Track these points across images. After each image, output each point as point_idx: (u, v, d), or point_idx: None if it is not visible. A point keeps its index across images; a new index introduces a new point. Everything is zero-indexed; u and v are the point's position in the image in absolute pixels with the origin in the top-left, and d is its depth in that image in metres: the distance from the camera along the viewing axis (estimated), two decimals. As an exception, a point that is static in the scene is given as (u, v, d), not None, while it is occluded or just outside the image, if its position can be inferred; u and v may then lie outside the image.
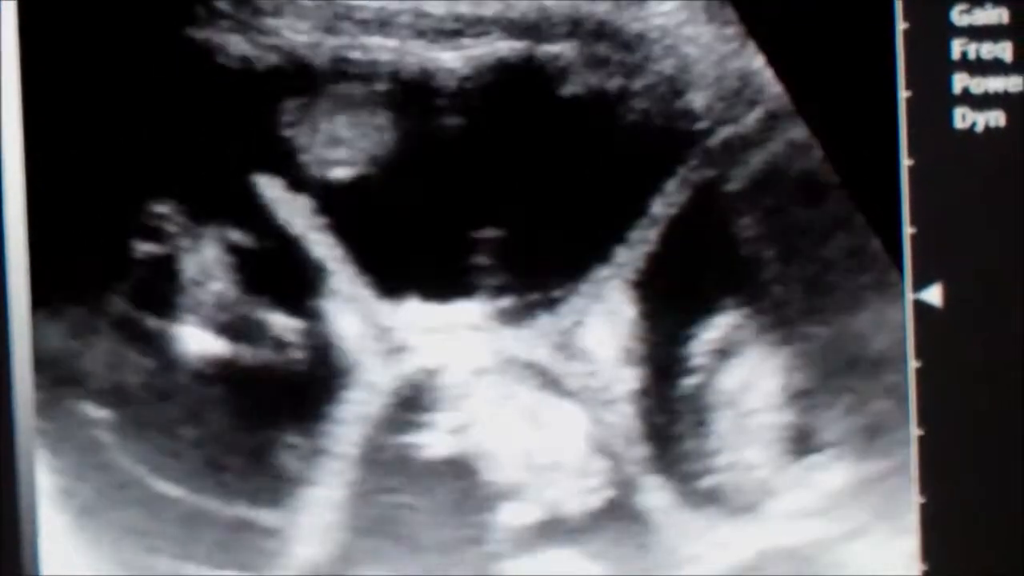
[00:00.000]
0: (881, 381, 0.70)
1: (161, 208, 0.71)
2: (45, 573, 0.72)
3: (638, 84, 0.70)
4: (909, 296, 0.69)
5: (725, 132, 0.70)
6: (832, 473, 0.70)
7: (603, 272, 0.70)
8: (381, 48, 0.70)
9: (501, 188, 0.70)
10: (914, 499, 0.70)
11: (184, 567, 0.71)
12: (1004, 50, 0.68)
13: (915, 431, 0.70)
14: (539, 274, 0.71)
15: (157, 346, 0.71)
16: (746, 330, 0.70)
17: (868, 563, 0.70)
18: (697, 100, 0.70)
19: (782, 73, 0.69)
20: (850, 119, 0.69)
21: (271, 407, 0.71)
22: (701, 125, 0.70)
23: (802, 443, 0.70)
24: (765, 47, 0.70)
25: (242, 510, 0.71)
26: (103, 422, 0.71)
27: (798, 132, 0.70)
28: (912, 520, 0.70)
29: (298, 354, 0.71)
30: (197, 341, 0.71)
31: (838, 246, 0.70)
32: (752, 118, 0.70)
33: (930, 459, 0.70)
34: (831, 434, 0.70)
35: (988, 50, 0.68)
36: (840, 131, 0.69)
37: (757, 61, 0.70)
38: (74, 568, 0.72)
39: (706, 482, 0.70)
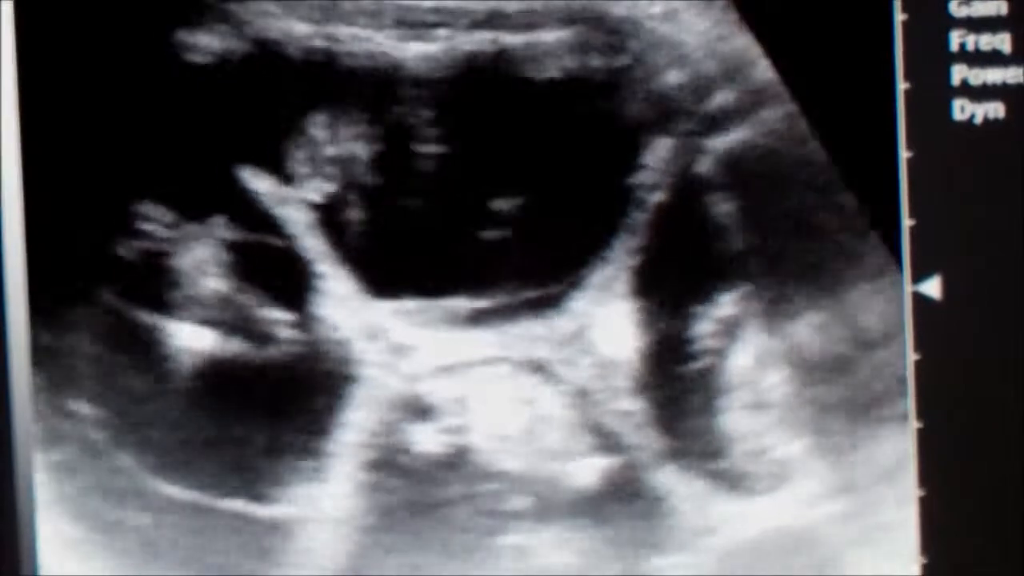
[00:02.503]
0: (881, 365, 0.70)
1: (151, 206, 0.70)
2: (43, 574, 0.72)
3: (618, 70, 0.70)
4: (908, 288, 0.69)
5: (709, 113, 0.70)
6: (834, 456, 0.70)
7: (600, 261, 0.70)
8: (365, 40, 0.70)
9: (493, 183, 0.70)
10: (913, 492, 0.70)
11: (184, 566, 0.71)
12: (1003, 41, 0.68)
13: (914, 424, 0.70)
14: (536, 269, 0.70)
15: (150, 344, 0.71)
16: (748, 312, 0.70)
17: (870, 547, 0.70)
18: (679, 81, 0.69)
19: (780, 65, 0.69)
20: (849, 111, 0.69)
21: (269, 405, 0.71)
22: (684, 108, 0.70)
23: (806, 426, 0.70)
24: (764, 39, 0.69)
25: (241, 507, 0.71)
26: (97, 421, 0.71)
27: (784, 113, 0.69)
28: (912, 508, 0.70)
29: (295, 351, 0.71)
30: (192, 338, 0.71)
31: (831, 225, 0.70)
32: (736, 99, 0.69)
33: (929, 452, 0.70)
34: (835, 417, 0.70)
35: (987, 41, 0.68)
36: (839, 123, 0.69)
37: (745, 43, 0.69)
38: (72, 568, 0.71)
39: (714, 464, 0.70)
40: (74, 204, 0.70)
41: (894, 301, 0.70)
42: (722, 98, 0.69)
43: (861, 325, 0.70)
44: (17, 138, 0.70)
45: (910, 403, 0.70)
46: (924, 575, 0.70)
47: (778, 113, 0.69)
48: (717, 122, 0.69)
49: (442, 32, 0.70)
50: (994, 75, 0.68)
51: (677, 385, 0.70)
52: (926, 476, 0.70)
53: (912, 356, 0.69)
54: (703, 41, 0.70)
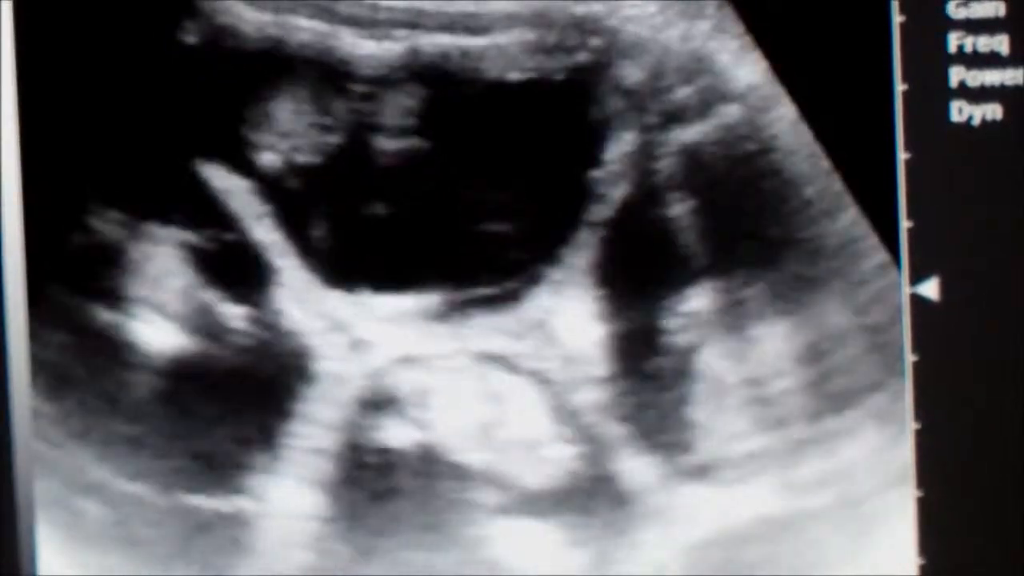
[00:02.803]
0: (865, 361, 0.70)
1: (106, 202, 0.70)
2: (42, 574, 0.72)
3: (578, 67, 0.70)
4: (906, 290, 0.69)
5: (666, 108, 0.70)
6: (818, 446, 0.70)
7: (562, 255, 0.70)
8: (321, 33, 0.70)
9: (453, 177, 0.70)
10: (911, 492, 0.70)
11: (146, 561, 0.71)
12: (1001, 43, 0.68)
13: (912, 425, 0.70)
14: (498, 261, 0.70)
15: (108, 340, 0.71)
16: (714, 304, 0.70)
17: (857, 540, 0.70)
18: (640, 77, 0.70)
19: (778, 66, 0.69)
20: (847, 113, 0.69)
21: (230, 399, 0.71)
22: (646, 104, 0.70)
23: (782, 416, 0.70)
24: (761, 41, 0.69)
25: (203, 502, 0.71)
26: (56, 418, 0.71)
27: (734, 110, 0.70)
28: (910, 509, 0.70)
29: (254, 345, 0.70)
30: (151, 334, 0.71)
31: (799, 221, 0.70)
32: (698, 95, 0.70)
33: (927, 453, 0.70)
34: (810, 406, 0.70)
35: (985, 43, 0.68)
36: (837, 124, 0.69)
37: (706, 39, 0.70)
38: (71, 568, 0.72)
39: (680, 455, 0.70)
40: (30, 201, 0.70)
41: (890, 301, 0.70)
42: (684, 94, 0.70)
43: (845, 320, 0.70)
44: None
45: (908, 404, 0.70)
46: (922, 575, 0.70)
47: (739, 109, 0.70)
48: (678, 118, 0.70)
49: (402, 32, 0.70)
50: (992, 77, 0.68)
51: (642, 376, 0.70)
52: (924, 477, 0.70)
53: (910, 357, 0.70)
54: (665, 38, 0.70)
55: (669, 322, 0.70)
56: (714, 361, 0.70)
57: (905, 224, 0.69)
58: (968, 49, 0.68)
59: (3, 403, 0.71)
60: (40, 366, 0.71)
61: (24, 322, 0.71)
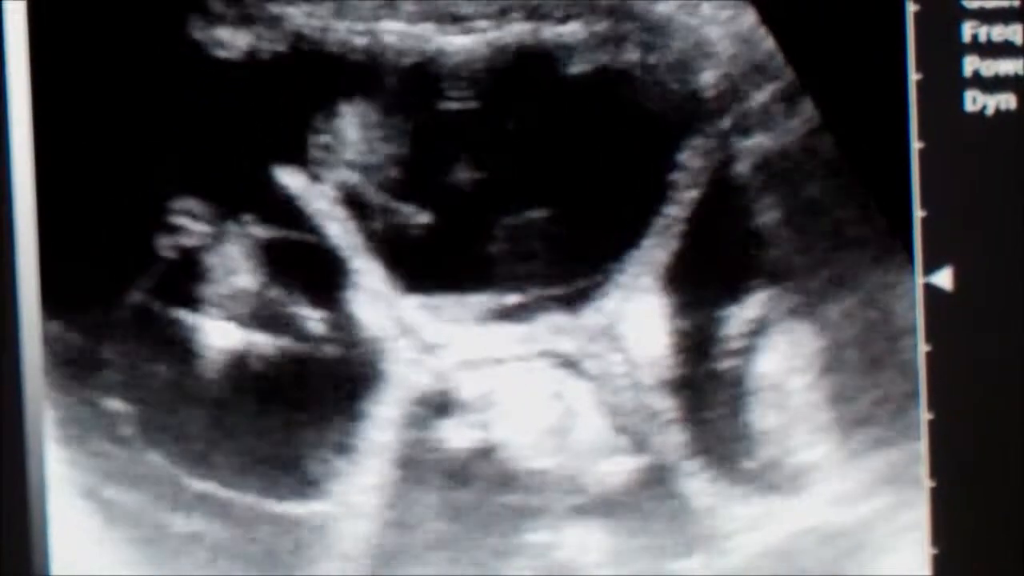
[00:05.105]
0: (903, 360, 0.70)
1: (184, 202, 0.70)
2: (56, 573, 0.72)
3: (650, 63, 0.70)
4: (919, 280, 0.69)
5: (740, 111, 0.69)
6: (866, 456, 0.70)
7: (632, 259, 0.70)
8: (392, 33, 0.70)
9: (523, 176, 0.70)
10: (924, 483, 0.70)
11: (214, 564, 0.71)
12: (1015, 33, 0.68)
13: (925, 415, 0.70)
14: (567, 264, 0.70)
15: (182, 341, 0.71)
16: (779, 310, 0.70)
17: (892, 544, 0.70)
18: (710, 78, 0.69)
19: (792, 55, 0.69)
20: (860, 102, 0.69)
21: (300, 401, 0.71)
22: (715, 104, 0.69)
23: (838, 424, 0.70)
24: (775, 29, 0.69)
25: (272, 504, 0.71)
26: (128, 417, 0.71)
27: (811, 110, 0.69)
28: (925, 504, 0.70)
29: (327, 349, 0.70)
30: (223, 335, 0.71)
31: (852, 224, 0.70)
32: (766, 97, 0.69)
33: (940, 443, 0.70)
34: (865, 416, 0.70)
35: (999, 33, 0.68)
36: (850, 114, 0.69)
37: (770, 39, 0.70)
38: (86, 568, 0.71)
39: (741, 464, 0.70)
40: (104, 201, 0.70)
41: (908, 293, 0.70)
42: (759, 98, 0.69)
43: (885, 321, 0.70)
44: (32, 136, 0.70)
45: (921, 394, 0.70)
46: (935, 566, 0.70)
47: (796, 103, 0.69)
48: (753, 122, 0.69)
49: (480, 24, 0.70)
50: (1006, 66, 0.68)
51: (706, 383, 0.70)
52: (937, 467, 0.70)
53: (923, 348, 0.69)
54: (740, 41, 0.70)
55: (735, 328, 0.70)
56: (777, 368, 0.70)
57: (918, 214, 0.69)
58: (982, 38, 0.68)
59: (17, 401, 0.71)
60: (114, 367, 0.71)
61: (38, 324, 0.71)
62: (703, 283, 0.70)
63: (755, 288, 0.70)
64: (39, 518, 0.71)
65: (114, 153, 0.70)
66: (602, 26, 0.70)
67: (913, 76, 0.68)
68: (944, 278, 0.69)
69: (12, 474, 0.71)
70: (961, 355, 0.69)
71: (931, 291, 0.69)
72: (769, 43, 0.69)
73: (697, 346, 0.70)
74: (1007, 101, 0.68)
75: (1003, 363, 0.69)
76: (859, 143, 0.69)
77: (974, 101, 0.68)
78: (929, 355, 0.69)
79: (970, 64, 0.68)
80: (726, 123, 0.69)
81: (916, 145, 0.69)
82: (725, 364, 0.70)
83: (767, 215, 0.69)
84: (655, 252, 0.70)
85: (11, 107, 0.70)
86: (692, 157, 0.69)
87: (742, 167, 0.69)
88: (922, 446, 0.70)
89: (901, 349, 0.70)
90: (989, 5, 0.68)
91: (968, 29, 0.68)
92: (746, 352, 0.70)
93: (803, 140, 0.69)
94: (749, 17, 0.70)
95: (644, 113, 0.70)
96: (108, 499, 0.71)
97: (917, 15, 0.68)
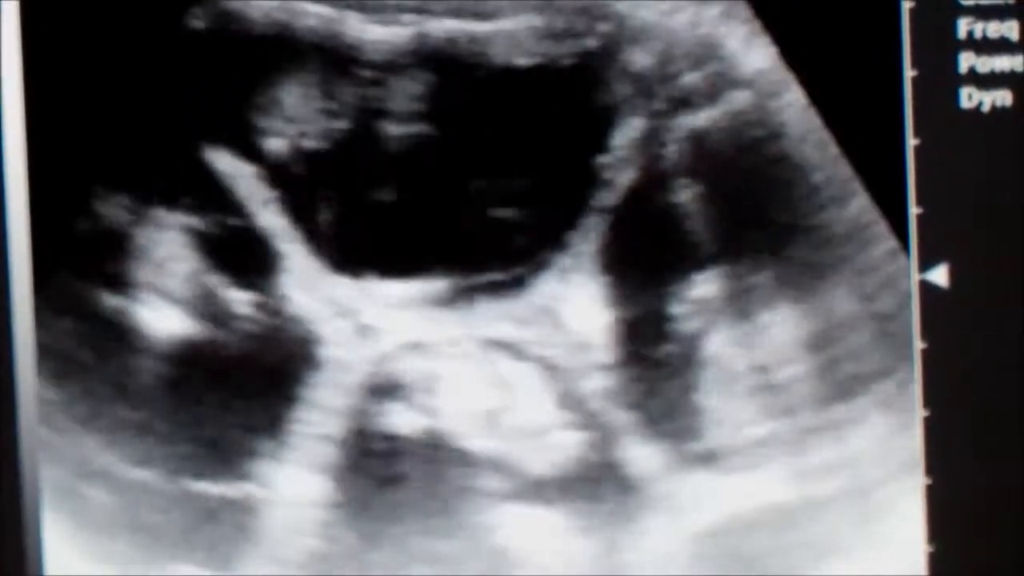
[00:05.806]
0: (872, 348, 0.70)
1: (112, 187, 0.70)
2: (49, 573, 0.71)
3: (582, 49, 0.70)
4: (915, 277, 0.69)
5: (673, 93, 0.69)
6: (824, 434, 0.70)
7: (570, 243, 0.70)
8: (327, 18, 0.70)
9: (460, 162, 0.70)
10: (920, 480, 0.70)
11: (151, 548, 0.71)
12: (1011, 29, 0.68)
13: (921, 412, 0.70)
14: (505, 248, 0.70)
15: (114, 326, 0.71)
16: (722, 291, 0.70)
17: (865, 529, 0.70)
18: (648, 63, 0.69)
19: (788, 52, 0.69)
20: (856, 98, 0.69)
21: (236, 385, 0.70)
22: (653, 90, 0.69)
23: (790, 403, 0.70)
24: (770, 26, 0.69)
25: (209, 488, 0.71)
26: (61, 404, 0.71)
27: (742, 96, 0.69)
28: (919, 497, 0.70)
29: (261, 331, 0.70)
30: (157, 320, 0.70)
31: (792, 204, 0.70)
32: (697, 79, 0.69)
33: (936, 440, 0.70)
34: (818, 393, 0.70)
35: (995, 29, 0.68)
36: (846, 110, 0.69)
37: (714, 25, 0.69)
38: (78, 568, 0.71)
39: (688, 442, 0.70)
40: (36, 187, 0.70)
41: (898, 287, 0.69)
42: (692, 80, 0.69)
43: (854, 307, 0.70)
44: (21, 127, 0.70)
45: (917, 392, 0.69)
46: (931, 564, 0.70)
47: (748, 95, 0.69)
48: (686, 104, 0.69)
49: (410, 17, 0.70)
50: (1002, 63, 0.68)
51: (649, 363, 0.70)
52: (933, 465, 0.70)
53: (919, 344, 0.69)
54: (674, 23, 0.70)
55: (676, 309, 0.70)
56: (722, 348, 0.70)
57: (914, 210, 0.69)
58: (978, 35, 0.68)
59: (10, 401, 0.71)
60: (46, 352, 0.71)
61: (30, 308, 0.70)
62: (641, 265, 0.70)
63: (694, 270, 0.70)
64: (32, 519, 0.71)
65: (41, 137, 0.70)
66: (535, 13, 0.70)
67: (909, 72, 0.68)
68: (940, 275, 0.69)
69: (4, 476, 0.71)
70: (957, 352, 0.69)
71: (927, 288, 0.69)
72: (707, 27, 0.69)
73: (636, 327, 0.70)
74: (1003, 97, 0.68)
75: (999, 360, 0.69)
76: (855, 139, 0.69)
77: (970, 97, 0.68)
78: (925, 352, 0.69)
79: (966, 60, 0.68)
80: (659, 106, 0.69)
81: (912, 142, 0.69)
82: (665, 345, 0.70)
83: (700, 198, 0.69)
84: (593, 235, 0.70)
85: None
86: (625, 141, 0.69)
87: (674, 149, 0.69)
88: (918, 444, 0.70)
89: (871, 333, 0.70)
90: (985, 1, 0.68)
91: (964, 25, 0.68)
92: (686, 334, 0.70)
93: (735, 122, 0.69)
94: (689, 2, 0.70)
95: (577, 98, 0.70)
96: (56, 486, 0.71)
97: (912, 11, 0.68)
